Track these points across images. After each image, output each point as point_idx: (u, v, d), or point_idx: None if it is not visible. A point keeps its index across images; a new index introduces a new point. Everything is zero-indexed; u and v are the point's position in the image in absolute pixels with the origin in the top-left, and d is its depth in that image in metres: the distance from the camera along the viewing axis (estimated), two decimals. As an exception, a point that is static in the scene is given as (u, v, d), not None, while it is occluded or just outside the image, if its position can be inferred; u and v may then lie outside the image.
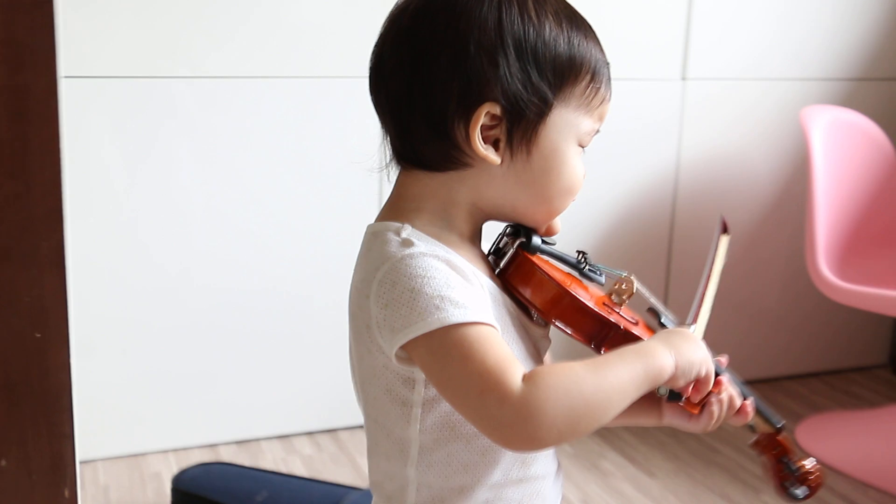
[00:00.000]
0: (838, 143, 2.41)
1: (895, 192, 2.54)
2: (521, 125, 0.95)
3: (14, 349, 1.83)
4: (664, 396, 0.99)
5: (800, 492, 1.07)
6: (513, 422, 0.84)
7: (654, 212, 2.65)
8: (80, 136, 2.14)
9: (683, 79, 2.59)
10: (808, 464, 1.08)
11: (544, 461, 1.01)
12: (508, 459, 0.98)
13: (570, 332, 0.94)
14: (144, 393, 2.30)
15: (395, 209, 1.00)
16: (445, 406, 0.93)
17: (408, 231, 0.94)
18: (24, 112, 1.76)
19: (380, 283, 0.91)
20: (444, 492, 0.96)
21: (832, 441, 2.46)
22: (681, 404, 1.01)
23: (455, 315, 0.87)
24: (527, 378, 0.85)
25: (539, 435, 0.85)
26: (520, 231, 1.00)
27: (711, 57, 2.61)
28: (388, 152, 1.01)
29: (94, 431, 2.27)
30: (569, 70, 0.95)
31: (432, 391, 0.93)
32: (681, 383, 0.94)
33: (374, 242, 0.96)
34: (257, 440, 2.42)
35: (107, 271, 2.22)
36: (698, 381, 0.97)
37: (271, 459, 2.33)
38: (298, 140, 2.31)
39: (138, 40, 2.14)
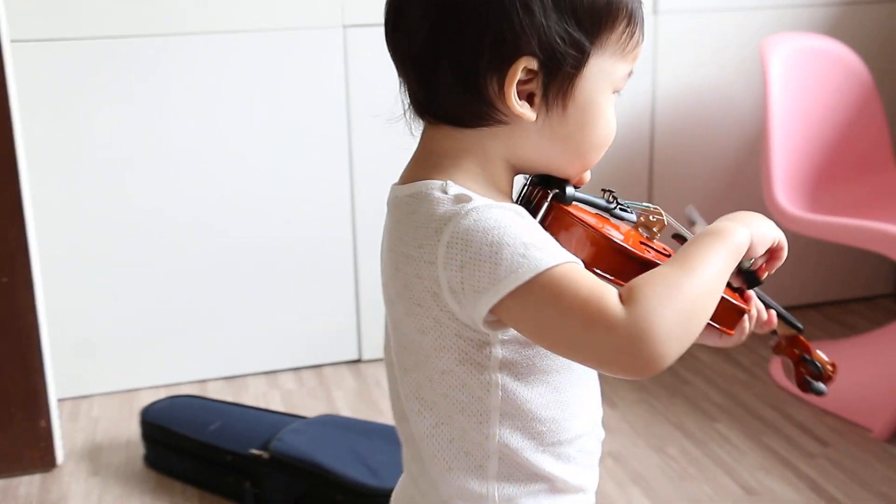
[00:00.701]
0: (804, 71, 2.35)
1: (871, 119, 2.46)
2: (558, 79, 0.88)
3: (-16, 293, 1.98)
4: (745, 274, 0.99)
5: (822, 386, 1.12)
6: (630, 345, 0.80)
7: (633, 148, 2.63)
8: (69, 98, 2.26)
9: (655, 13, 2.55)
10: (827, 359, 1.13)
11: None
12: (585, 410, 0.96)
13: (611, 278, 0.89)
14: (137, 332, 2.44)
15: (428, 166, 0.92)
16: (520, 363, 0.90)
17: (455, 187, 0.88)
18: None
19: (449, 245, 0.85)
20: (525, 455, 0.92)
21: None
22: (752, 291, 1.02)
23: (543, 260, 0.82)
24: (624, 298, 0.81)
25: (660, 350, 0.80)
26: (549, 181, 0.95)
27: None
28: (408, 105, 0.94)
29: (90, 369, 2.42)
30: (606, 16, 0.88)
31: (506, 349, 0.89)
32: (759, 251, 0.93)
33: (417, 204, 0.89)
34: (244, 376, 2.53)
35: (99, 219, 2.35)
36: (773, 251, 0.97)
37: (253, 394, 2.44)
38: (275, 87, 2.40)
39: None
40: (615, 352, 0.81)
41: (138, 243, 2.39)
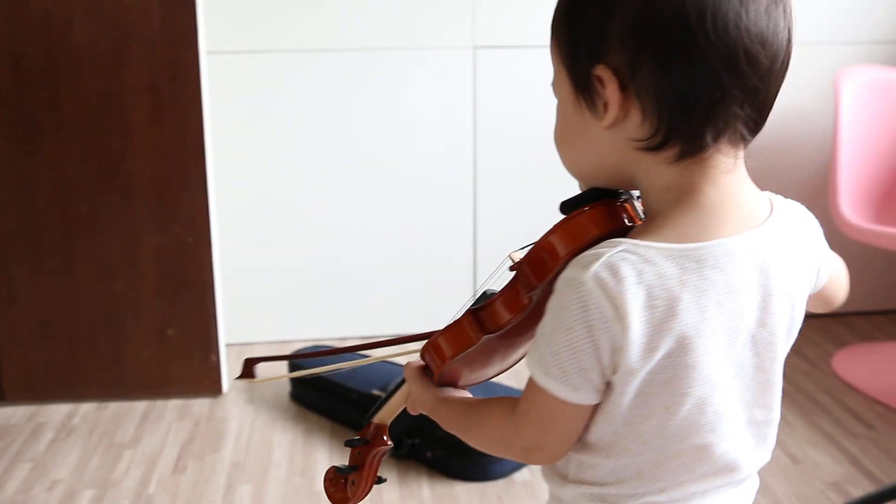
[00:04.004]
0: (873, 99, 2.44)
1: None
2: None
3: (174, 251, 2.33)
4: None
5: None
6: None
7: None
8: (252, 99, 2.59)
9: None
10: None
11: None
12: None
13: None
14: (295, 292, 2.74)
15: None
16: None
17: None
18: (178, 77, 2.22)
19: (816, 224, 0.87)
20: None
21: (862, 367, 2.52)
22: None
23: None
24: None
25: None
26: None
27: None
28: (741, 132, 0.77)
29: (255, 321, 2.73)
30: None
31: None
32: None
33: (791, 210, 0.85)
34: (376, 336, 2.80)
35: (268, 200, 2.66)
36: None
37: (382, 352, 2.70)
38: (411, 99, 2.65)
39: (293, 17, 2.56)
40: None
41: (297, 223, 2.70)
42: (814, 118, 2.74)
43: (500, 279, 0.88)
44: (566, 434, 0.81)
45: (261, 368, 1.14)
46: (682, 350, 0.75)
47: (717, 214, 0.77)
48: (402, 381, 0.99)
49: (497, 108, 2.67)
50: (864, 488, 1.99)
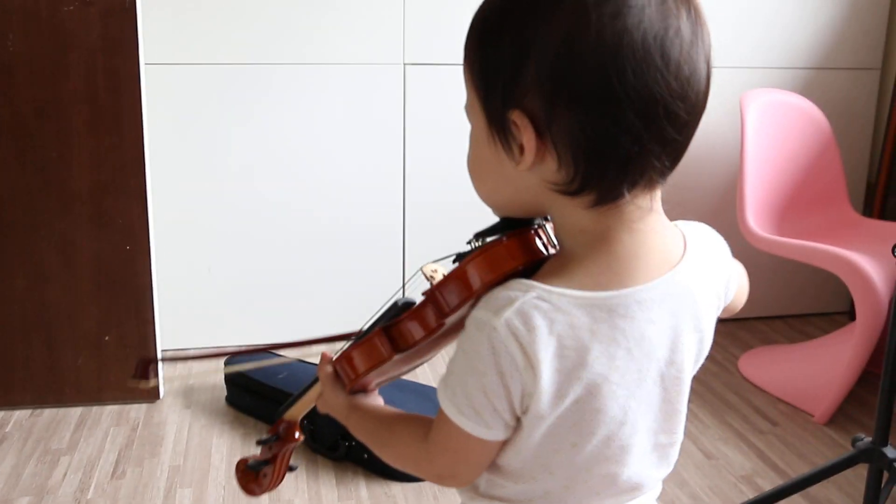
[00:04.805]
0: (775, 120, 2.59)
1: (830, 164, 2.69)
2: None
3: (113, 257, 2.31)
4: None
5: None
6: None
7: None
8: (188, 110, 2.57)
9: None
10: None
11: None
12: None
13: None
14: (229, 300, 2.74)
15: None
16: None
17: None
18: (117, 87, 2.21)
19: (722, 242, 0.87)
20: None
21: (765, 368, 2.67)
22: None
23: None
24: None
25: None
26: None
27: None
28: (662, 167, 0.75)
29: (190, 329, 2.71)
30: None
31: None
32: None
33: (700, 237, 0.84)
34: (308, 342, 2.81)
35: (202, 206, 2.65)
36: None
37: (316, 355, 2.72)
38: (343, 112, 2.69)
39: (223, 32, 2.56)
40: None
41: (233, 231, 2.70)
42: (720, 137, 2.89)
43: (413, 289, 0.88)
44: (477, 465, 0.82)
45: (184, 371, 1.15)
46: (589, 396, 0.75)
47: (631, 263, 0.75)
48: (316, 379, 0.99)
49: (426, 123, 2.73)
50: (771, 481, 2.12)
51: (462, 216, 2.74)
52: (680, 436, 0.86)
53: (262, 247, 2.73)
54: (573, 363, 0.73)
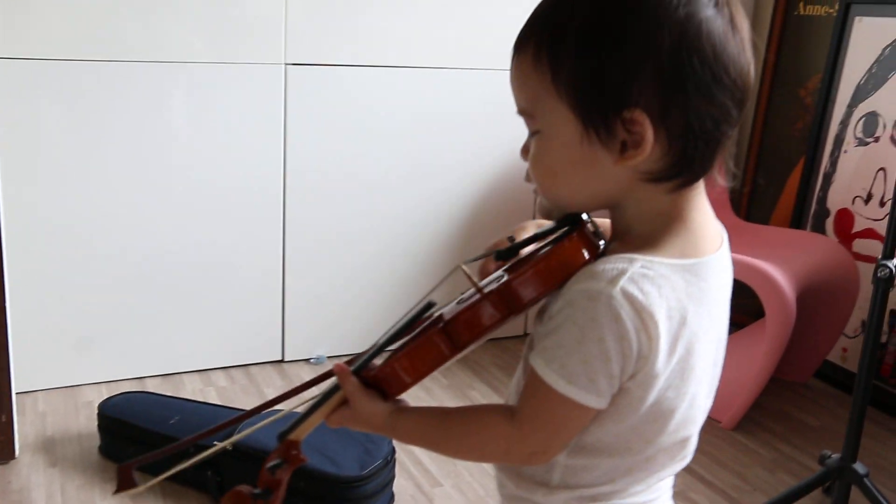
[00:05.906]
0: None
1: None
2: None
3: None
4: None
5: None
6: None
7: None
8: (37, 118, 2.14)
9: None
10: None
11: None
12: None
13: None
14: (80, 332, 2.33)
15: None
16: None
17: None
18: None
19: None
20: None
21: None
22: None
23: None
24: None
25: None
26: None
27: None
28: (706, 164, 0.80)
29: (35, 366, 2.28)
30: None
31: None
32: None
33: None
34: (179, 374, 2.46)
35: (54, 235, 2.23)
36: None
37: (191, 390, 2.38)
38: (220, 114, 2.35)
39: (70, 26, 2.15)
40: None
41: (84, 254, 2.29)
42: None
43: (413, 293, 0.80)
44: (569, 438, 0.83)
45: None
46: (688, 354, 0.80)
47: (701, 235, 0.82)
48: (322, 397, 0.92)
49: (308, 125, 2.45)
50: (707, 497, 2.04)
51: (344, 224, 2.49)
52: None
53: (116, 273, 2.33)
54: (678, 323, 0.77)
